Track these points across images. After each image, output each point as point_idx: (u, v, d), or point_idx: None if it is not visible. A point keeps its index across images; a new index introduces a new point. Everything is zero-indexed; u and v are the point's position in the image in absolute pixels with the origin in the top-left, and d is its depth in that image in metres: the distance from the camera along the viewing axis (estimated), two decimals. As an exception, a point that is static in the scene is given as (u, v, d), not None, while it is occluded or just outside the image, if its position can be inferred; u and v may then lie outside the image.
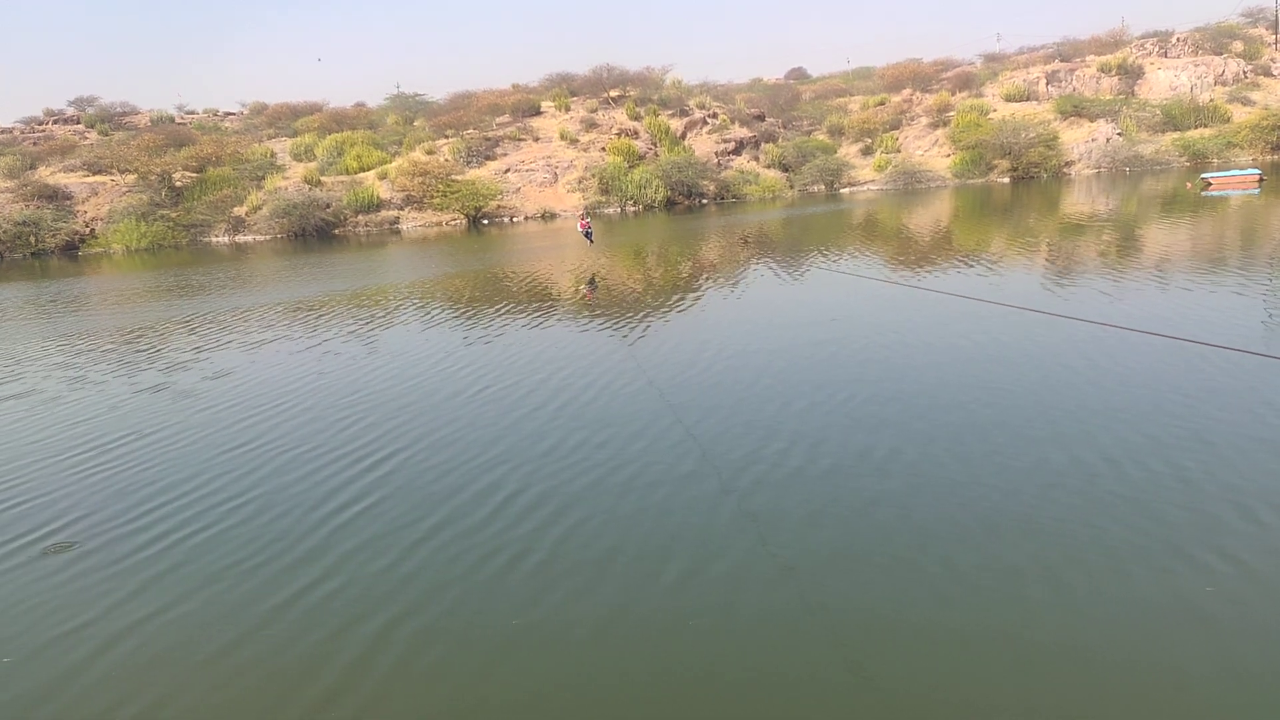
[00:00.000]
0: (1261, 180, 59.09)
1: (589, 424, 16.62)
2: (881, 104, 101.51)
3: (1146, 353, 18.28)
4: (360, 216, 79.99)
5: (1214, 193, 55.82)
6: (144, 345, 28.85)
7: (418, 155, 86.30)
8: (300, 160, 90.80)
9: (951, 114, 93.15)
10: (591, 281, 31.37)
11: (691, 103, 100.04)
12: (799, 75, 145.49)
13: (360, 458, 15.48)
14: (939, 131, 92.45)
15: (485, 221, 79.76)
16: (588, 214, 49.76)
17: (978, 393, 16.64)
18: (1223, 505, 11.13)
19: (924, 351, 20.01)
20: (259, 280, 47.77)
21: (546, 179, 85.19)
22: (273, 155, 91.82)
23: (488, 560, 11.21)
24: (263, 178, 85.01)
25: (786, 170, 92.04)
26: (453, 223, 78.94)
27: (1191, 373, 16.78)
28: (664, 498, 12.78)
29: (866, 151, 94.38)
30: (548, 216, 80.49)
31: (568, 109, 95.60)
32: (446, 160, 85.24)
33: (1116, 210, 52.07)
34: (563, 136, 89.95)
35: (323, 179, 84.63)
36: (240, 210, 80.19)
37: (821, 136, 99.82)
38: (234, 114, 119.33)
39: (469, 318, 29.73)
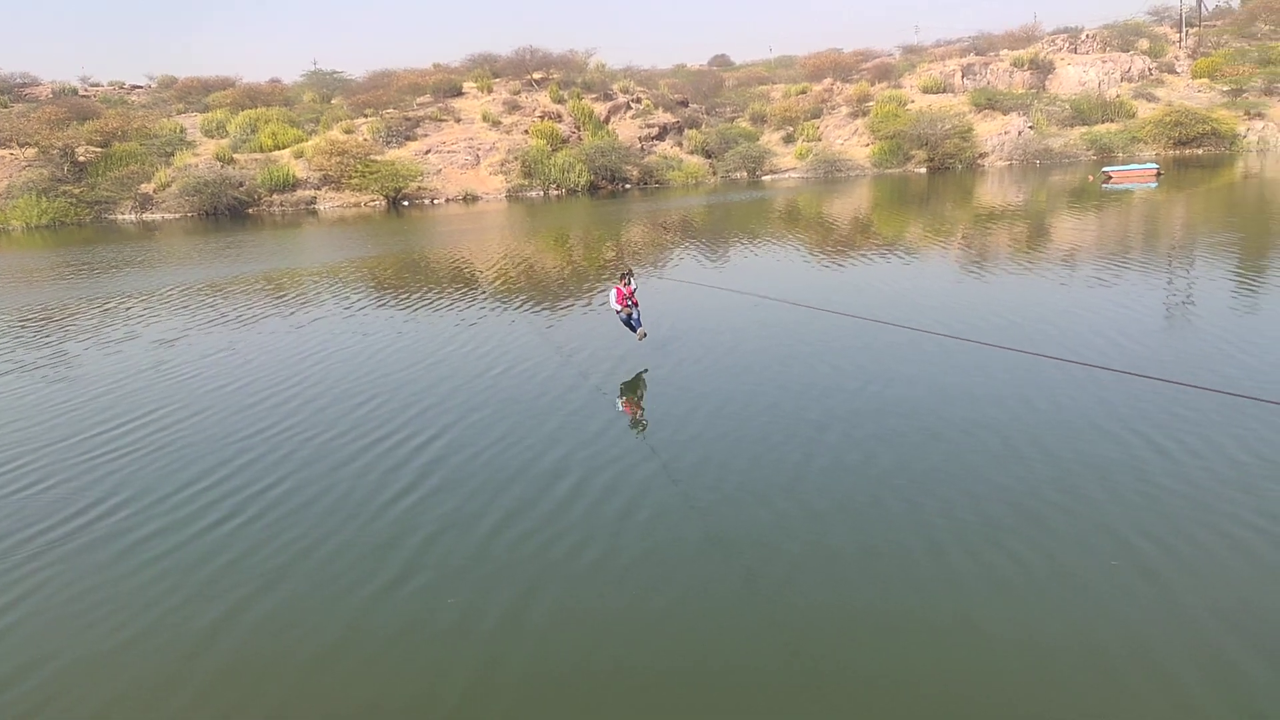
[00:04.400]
0: (1159, 175, 61.12)
1: (515, 410, 16.52)
2: (803, 93, 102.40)
3: (1051, 375, 18.73)
4: (275, 196, 78.02)
5: (1114, 186, 57.60)
6: (35, 326, 27.76)
7: (335, 134, 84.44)
8: (212, 137, 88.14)
9: (871, 104, 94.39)
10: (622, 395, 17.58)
11: (615, 87, 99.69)
12: (722, 62, 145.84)
13: (248, 449, 15.17)
14: (859, 121, 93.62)
15: (406, 203, 78.49)
16: (628, 276, 19.55)
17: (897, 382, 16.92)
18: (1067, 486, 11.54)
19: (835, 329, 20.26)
20: (167, 260, 46.23)
21: (469, 161, 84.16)
22: (182, 131, 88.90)
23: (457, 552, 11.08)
24: (172, 154, 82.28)
25: (709, 157, 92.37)
26: (372, 204, 77.51)
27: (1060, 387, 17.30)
28: (620, 496, 12.78)
29: (788, 140, 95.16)
30: (470, 199, 79.54)
31: (490, 90, 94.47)
32: (365, 140, 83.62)
33: (1026, 203, 53.40)
34: (485, 118, 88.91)
35: (236, 156, 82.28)
36: (148, 187, 77.52)
37: (744, 124, 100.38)
38: (141, 87, 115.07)
39: (387, 302, 29.22)
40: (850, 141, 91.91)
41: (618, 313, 19.19)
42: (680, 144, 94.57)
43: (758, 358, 19.14)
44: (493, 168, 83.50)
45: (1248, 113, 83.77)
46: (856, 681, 8.20)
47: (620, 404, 16.26)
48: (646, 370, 18.46)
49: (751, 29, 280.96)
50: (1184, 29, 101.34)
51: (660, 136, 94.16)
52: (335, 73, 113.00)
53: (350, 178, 78.52)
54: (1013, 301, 23.92)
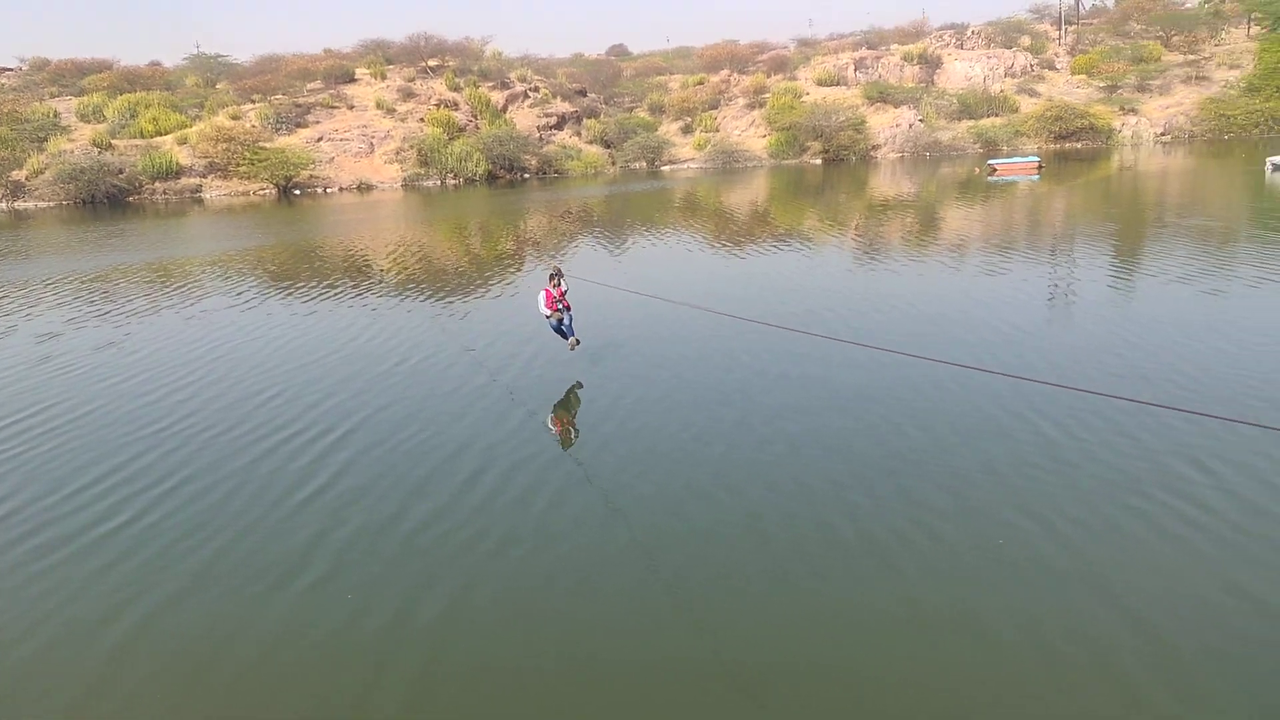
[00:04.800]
0: (1040, 167, 63.53)
1: (410, 398, 16.24)
2: (700, 84, 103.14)
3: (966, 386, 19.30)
4: (158, 183, 74.87)
5: (999, 178, 59.64)
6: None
7: (221, 120, 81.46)
8: (88, 121, 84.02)
9: (767, 96, 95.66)
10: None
11: (513, 75, 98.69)
12: (620, 52, 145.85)
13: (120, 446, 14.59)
14: (756, 113, 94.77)
15: (297, 192, 76.23)
16: (557, 277, 17.57)
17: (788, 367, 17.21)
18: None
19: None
20: (45, 250, 43.91)
21: (362, 149, 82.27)
22: (56, 115, 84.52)
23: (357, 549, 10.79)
24: (45, 139, 78.17)
25: (609, 146, 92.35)
26: (261, 193, 75.08)
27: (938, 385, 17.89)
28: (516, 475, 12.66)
29: (687, 130, 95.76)
30: (364, 188, 77.75)
31: (384, 77, 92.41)
32: (253, 127, 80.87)
33: (917, 195, 54.90)
34: (379, 105, 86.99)
35: (114, 142, 78.67)
36: (19, 174, 73.58)
37: (643, 114, 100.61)
38: (11, 70, 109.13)
39: (285, 293, 28.39)
40: (748, 133, 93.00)
41: (547, 318, 17.18)
42: (579, 134, 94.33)
43: (664, 356, 19.23)
44: (388, 156, 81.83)
45: (1122, 108, 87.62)
46: (770, 666, 8.31)
47: (550, 422, 15.09)
48: (576, 383, 18.15)
49: (649, 19, 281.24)
50: (1063, 27, 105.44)
51: (559, 126, 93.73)
52: (219, 56, 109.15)
53: (238, 165, 75.92)
54: (904, 295, 24.56)
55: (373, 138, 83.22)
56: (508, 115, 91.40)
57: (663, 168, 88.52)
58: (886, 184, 62.75)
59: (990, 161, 66.17)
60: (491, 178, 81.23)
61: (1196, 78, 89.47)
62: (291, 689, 8.30)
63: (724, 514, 11.35)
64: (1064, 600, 9.09)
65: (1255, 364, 16.12)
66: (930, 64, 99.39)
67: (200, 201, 72.15)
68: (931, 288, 24.91)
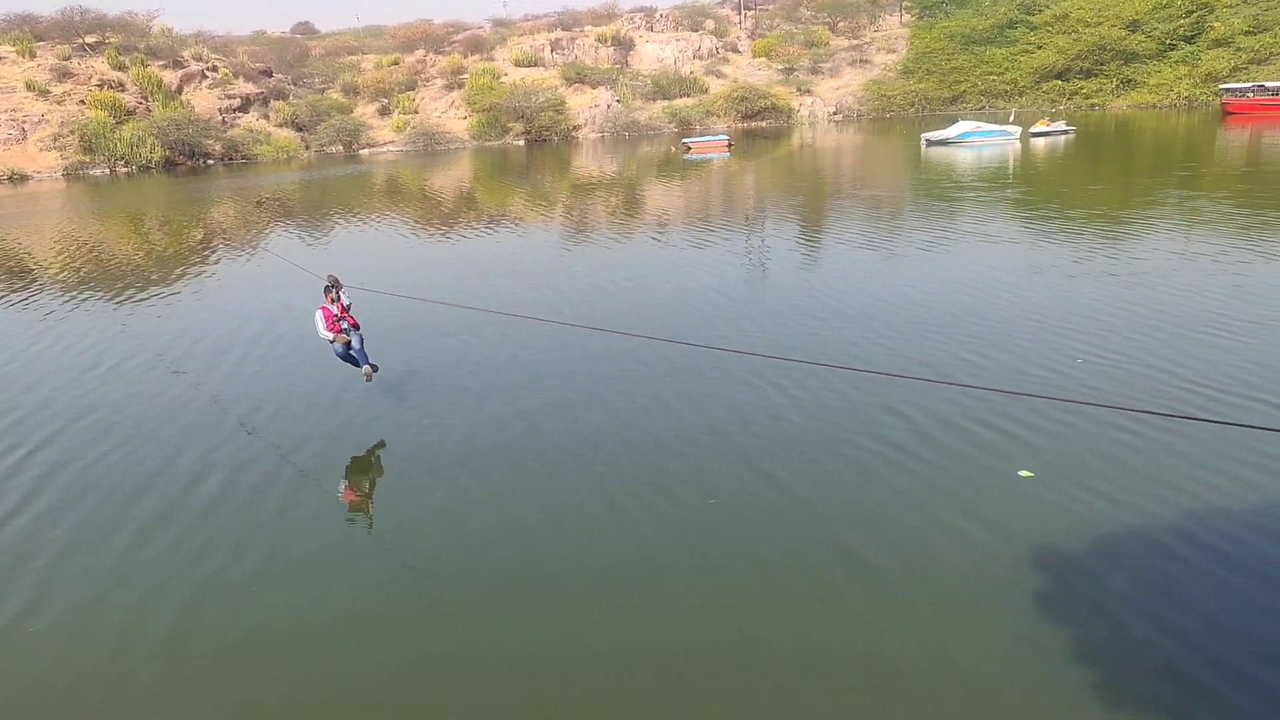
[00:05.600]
0: (730, 145, 67.08)
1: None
2: (395, 64, 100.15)
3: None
4: None
5: (694, 156, 62.42)
6: None
7: None
8: None
9: (465, 76, 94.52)
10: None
11: (186, 54, 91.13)
12: (306, 30, 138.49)
13: None
14: (455, 94, 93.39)
15: (-68, 185, 66.66)
16: (334, 290, 14.16)
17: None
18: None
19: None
20: None
21: (13, 135, 73.12)
22: None
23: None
24: None
25: (301, 130, 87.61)
26: (-114, 187, 64.99)
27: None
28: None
29: (384, 112, 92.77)
30: (18, 178, 69.06)
31: (33, 55, 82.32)
32: None
33: (619, 173, 56.30)
34: (30, 87, 77.46)
35: None
36: None
37: (336, 95, 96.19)
38: None
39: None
40: (448, 114, 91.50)
41: (330, 343, 13.91)
42: (267, 116, 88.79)
43: (385, 346, 18.51)
44: (44, 143, 73.31)
45: (799, 89, 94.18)
46: (528, 654, 8.33)
47: (342, 490, 11.88)
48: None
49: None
50: (743, 12, 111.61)
51: (243, 108, 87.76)
52: None
53: None
54: (622, 272, 25.17)
55: (24, 122, 74.25)
56: (184, 97, 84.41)
57: (361, 151, 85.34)
58: (590, 164, 63.88)
59: (685, 140, 69.03)
60: (170, 165, 74.84)
61: (860, 61, 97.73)
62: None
63: (469, 497, 11.18)
64: (788, 541, 9.76)
65: (939, 318, 17.79)
66: (624, 45, 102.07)
67: None
68: (645, 264, 25.61)
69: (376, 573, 9.63)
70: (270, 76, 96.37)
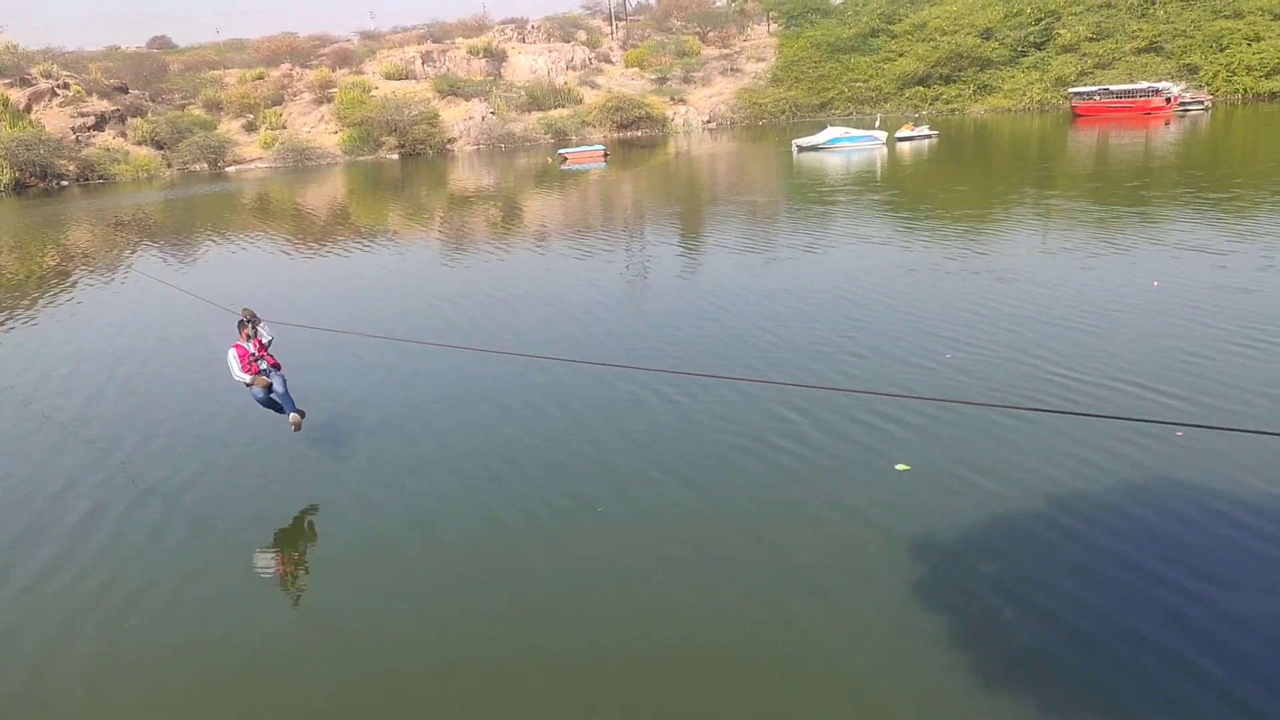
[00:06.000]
0: (606, 155, 67.42)
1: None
2: (260, 78, 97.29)
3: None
4: None
5: (571, 167, 62.47)
6: None
7: None
8: None
9: (335, 91, 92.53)
10: None
11: (35, 71, 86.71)
12: (164, 45, 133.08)
13: None
14: (324, 108, 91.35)
15: None
16: (250, 325, 12.41)
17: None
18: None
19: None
20: None
21: None
22: None
23: None
24: None
25: (162, 148, 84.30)
26: None
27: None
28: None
29: (250, 128, 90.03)
30: None
31: None
32: None
33: (497, 186, 55.96)
34: None
35: None
36: None
37: (198, 111, 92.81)
38: None
39: None
40: (318, 129, 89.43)
41: (248, 386, 12.16)
42: (125, 134, 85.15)
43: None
44: (-123, 166, 68.69)
45: (673, 99, 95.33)
46: (452, 669, 8.21)
47: (276, 563, 10.52)
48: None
49: (193, 8, 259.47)
50: (614, 23, 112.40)
51: (99, 126, 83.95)
52: None
53: None
54: (511, 287, 25.01)
55: None
56: (34, 115, 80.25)
57: (227, 169, 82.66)
58: (467, 176, 63.31)
59: (561, 151, 69.07)
60: (21, 187, 71.09)
61: (731, 70, 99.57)
62: None
63: (387, 520, 10.92)
64: (701, 533, 9.97)
65: (821, 319, 18.24)
66: (496, 57, 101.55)
67: None
68: (530, 278, 25.44)
69: (259, 601, 9.32)
70: (126, 93, 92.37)
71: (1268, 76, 74.18)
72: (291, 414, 12.31)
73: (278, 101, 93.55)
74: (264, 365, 12.18)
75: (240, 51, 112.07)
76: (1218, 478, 10.22)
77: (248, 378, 12.02)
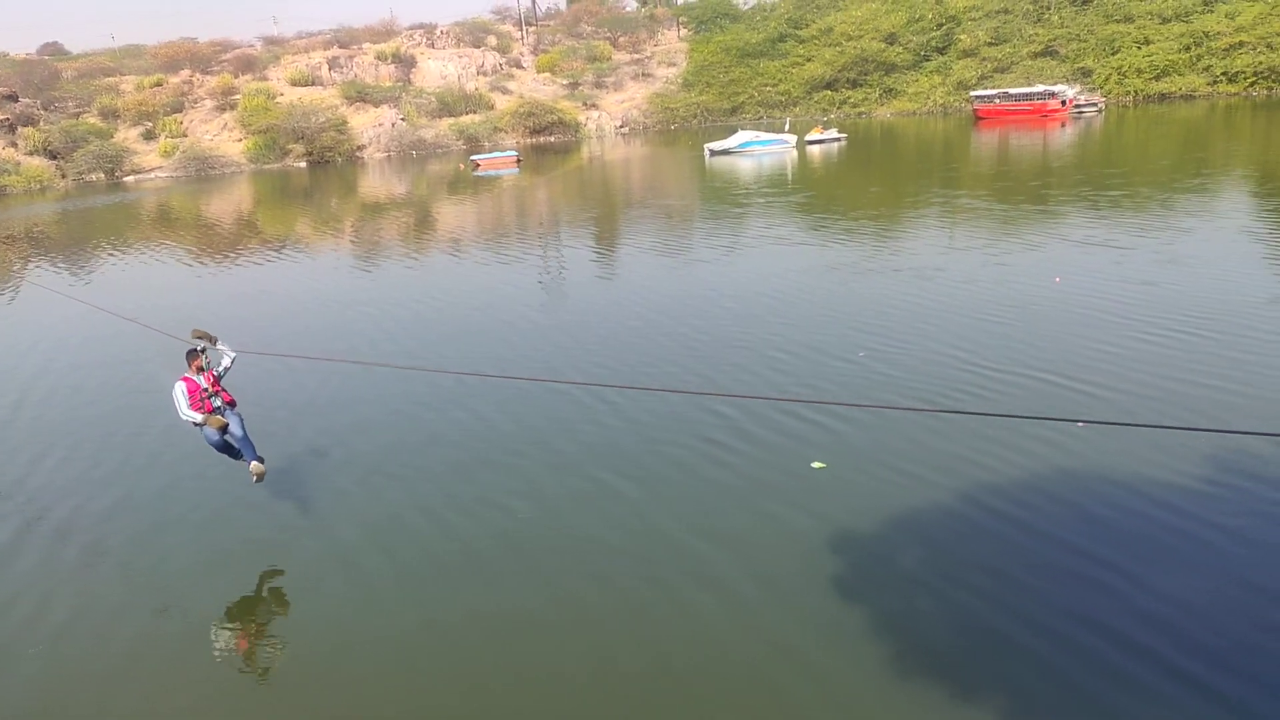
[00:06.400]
0: (519, 161, 66.98)
1: None
2: (159, 85, 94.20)
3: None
4: None
5: (484, 173, 61.93)
6: None
7: None
8: None
9: (238, 97, 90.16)
10: None
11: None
12: (55, 51, 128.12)
13: None
14: (227, 115, 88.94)
15: None
16: (200, 355, 10.96)
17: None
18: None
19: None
20: None
21: None
22: None
23: None
24: None
25: (55, 157, 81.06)
26: None
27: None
28: None
29: (149, 136, 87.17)
30: None
31: None
32: None
33: (409, 193, 55.21)
34: None
35: None
36: None
37: (93, 120, 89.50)
38: None
39: None
40: (221, 136, 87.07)
41: (199, 427, 10.69)
42: (15, 144, 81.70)
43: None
44: None
45: (585, 104, 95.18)
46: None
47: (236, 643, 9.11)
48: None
49: (87, 14, 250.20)
50: (524, 28, 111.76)
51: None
52: None
53: None
54: (431, 296, 24.65)
55: None
56: (-85, 125, 76.58)
57: (126, 178, 79.96)
58: (378, 184, 62.32)
59: (474, 157, 68.39)
60: (-97, 200, 67.70)
61: (643, 75, 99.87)
62: None
63: (306, 551, 10.72)
64: (616, 537, 9.83)
65: (739, 322, 18.37)
66: (405, 63, 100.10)
67: None
68: (447, 288, 25.06)
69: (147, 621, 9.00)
70: (16, 101, 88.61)
71: (1157, 79, 77.23)
72: (253, 463, 10.72)
73: (178, 109, 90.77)
74: (218, 402, 10.75)
75: (137, 58, 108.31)
76: (1116, 468, 10.56)
77: (198, 416, 10.51)
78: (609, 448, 12.33)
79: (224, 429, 10.63)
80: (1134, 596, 8.16)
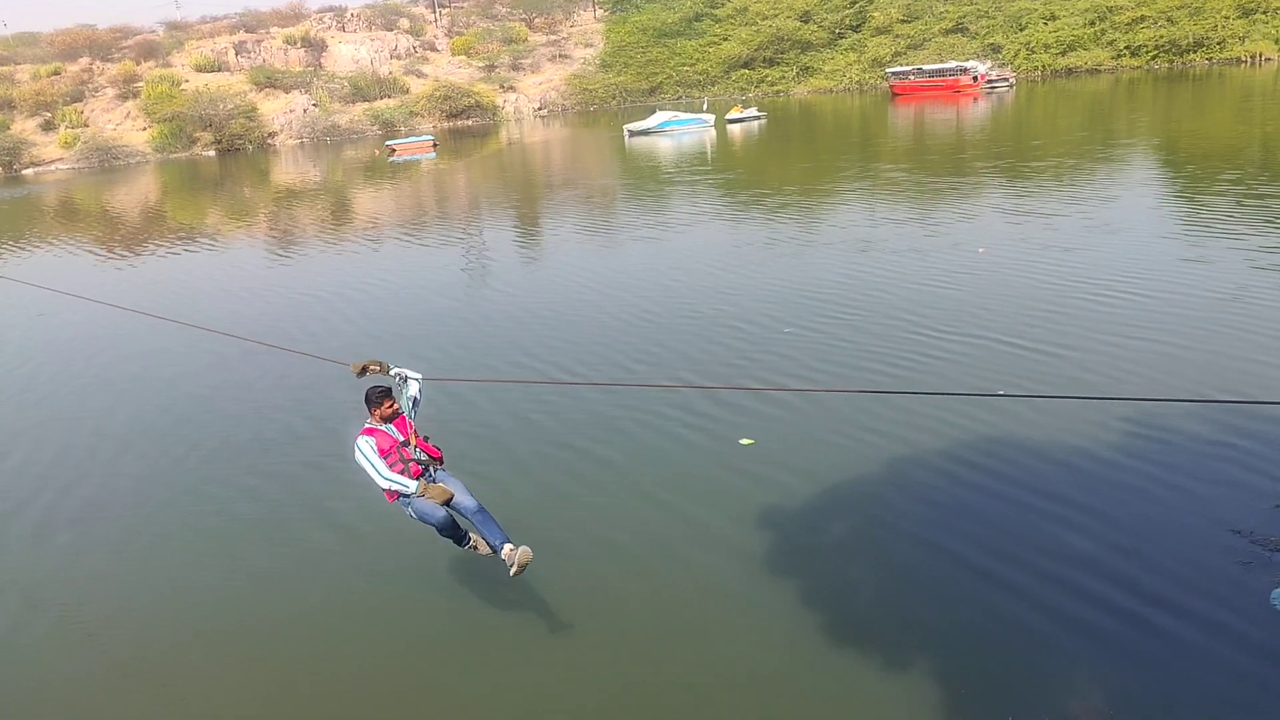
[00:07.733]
0: (436, 145, 66.02)
1: None
2: (57, 73, 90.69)
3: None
4: None
5: (400, 158, 60.85)
6: None
7: None
8: None
9: (141, 85, 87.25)
10: None
11: None
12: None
13: None
14: (130, 104, 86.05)
15: None
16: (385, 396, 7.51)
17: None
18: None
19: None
20: None
21: None
22: None
23: None
24: None
25: (-54, 152, 77.73)
26: None
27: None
28: None
29: (48, 127, 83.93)
30: None
31: None
32: None
33: (324, 180, 53.95)
34: None
35: None
36: None
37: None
38: None
39: None
40: (124, 126, 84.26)
41: (408, 499, 7.51)
42: (-99, 138, 78.06)
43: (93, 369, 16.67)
44: None
45: (502, 86, 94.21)
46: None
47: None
48: None
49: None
50: (437, 10, 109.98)
51: None
52: None
53: None
54: (332, 287, 24.10)
55: None
56: None
57: (24, 171, 76.90)
58: (290, 172, 60.86)
59: (389, 143, 67.24)
60: None
61: (560, 56, 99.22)
62: None
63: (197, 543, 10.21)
64: (536, 521, 9.42)
65: (679, 302, 18.29)
66: (315, 47, 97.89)
67: None
68: (367, 277, 24.43)
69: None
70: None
71: (1063, 54, 79.28)
72: (505, 546, 7.52)
73: (78, 98, 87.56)
74: (422, 457, 7.71)
75: (32, 46, 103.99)
76: (1039, 435, 10.69)
77: (412, 485, 7.44)
78: (525, 436, 12.12)
79: (448, 500, 7.57)
80: (1063, 537, 8.34)
